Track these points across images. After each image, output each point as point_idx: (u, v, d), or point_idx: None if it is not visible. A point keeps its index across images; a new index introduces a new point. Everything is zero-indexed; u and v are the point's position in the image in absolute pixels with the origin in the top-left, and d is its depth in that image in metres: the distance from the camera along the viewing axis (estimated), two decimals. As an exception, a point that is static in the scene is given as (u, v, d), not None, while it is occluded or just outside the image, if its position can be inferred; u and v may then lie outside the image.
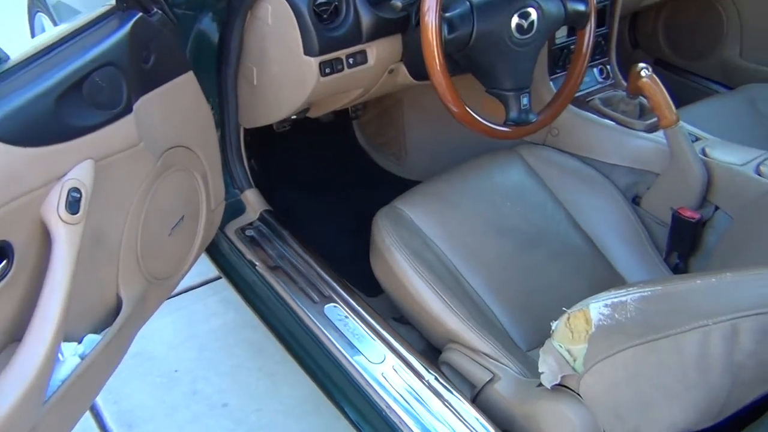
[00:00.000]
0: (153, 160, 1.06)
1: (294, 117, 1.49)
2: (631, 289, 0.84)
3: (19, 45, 0.92)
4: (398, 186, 1.58)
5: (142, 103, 1.01)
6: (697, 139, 1.42)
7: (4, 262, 0.83)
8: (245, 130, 1.49)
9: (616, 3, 1.62)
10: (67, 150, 0.88)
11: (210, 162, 1.25)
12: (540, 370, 0.95)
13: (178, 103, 1.12)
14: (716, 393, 0.78)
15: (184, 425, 1.55)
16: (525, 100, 1.23)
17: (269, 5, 1.26)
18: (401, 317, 1.36)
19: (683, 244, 1.36)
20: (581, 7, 1.26)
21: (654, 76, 1.34)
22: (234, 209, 1.46)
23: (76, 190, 0.88)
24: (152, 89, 1.04)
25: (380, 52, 1.31)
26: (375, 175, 1.97)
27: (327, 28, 1.24)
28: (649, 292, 0.82)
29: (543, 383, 0.94)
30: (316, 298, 1.28)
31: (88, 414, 1.54)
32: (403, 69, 1.37)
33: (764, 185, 1.25)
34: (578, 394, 0.91)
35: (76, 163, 0.89)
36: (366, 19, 1.25)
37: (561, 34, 1.55)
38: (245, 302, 1.39)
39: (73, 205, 0.87)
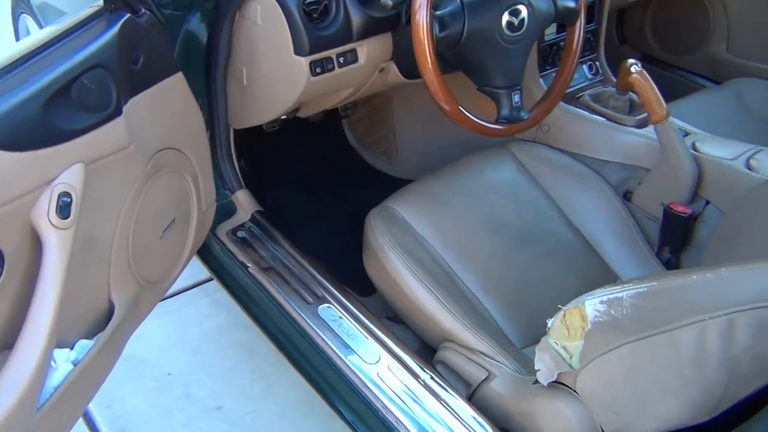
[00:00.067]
0: (143, 162, 1.05)
1: (284, 117, 1.48)
2: (626, 285, 0.84)
3: (4, 47, 0.91)
4: (389, 185, 1.57)
5: (131, 105, 0.99)
6: (687, 134, 1.43)
7: (-6, 268, 0.82)
8: (235, 130, 1.49)
9: (604, -1, 1.63)
10: (57, 154, 0.87)
11: (200, 163, 1.24)
12: (536, 368, 0.95)
13: (167, 104, 1.11)
14: (713, 388, 0.79)
15: (178, 429, 1.54)
16: (516, 98, 1.23)
17: (258, 5, 1.25)
18: (395, 316, 1.36)
19: (675, 239, 1.37)
20: (571, 4, 1.26)
21: (644, 71, 1.34)
22: (225, 211, 1.45)
23: (67, 194, 0.87)
24: (142, 91, 1.03)
25: (371, 51, 1.31)
26: (366, 174, 1.96)
27: (317, 28, 1.23)
28: (645, 288, 0.82)
29: (539, 380, 0.94)
30: (309, 299, 1.27)
31: (80, 419, 1.53)
32: (394, 68, 1.37)
33: (754, 179, 1.26)
34: (575, 391, 0.91)
35: (66, 167, 0.88)
36: (356, 18, 1.25)
37: (550, 31, 1.55)
38: (238, 304, 1.38)
39: (63, 209, 0.86)
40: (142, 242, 1.09)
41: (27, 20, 2.17)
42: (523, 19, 1.21)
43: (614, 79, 1.63)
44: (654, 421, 0.84)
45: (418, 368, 1.14)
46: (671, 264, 1.39)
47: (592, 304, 0.85)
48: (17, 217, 0.83)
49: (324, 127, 1.90)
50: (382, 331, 1.20)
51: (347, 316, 1.23)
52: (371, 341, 1.18)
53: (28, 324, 0.84)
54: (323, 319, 1.23)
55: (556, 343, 0.91)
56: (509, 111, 1.24)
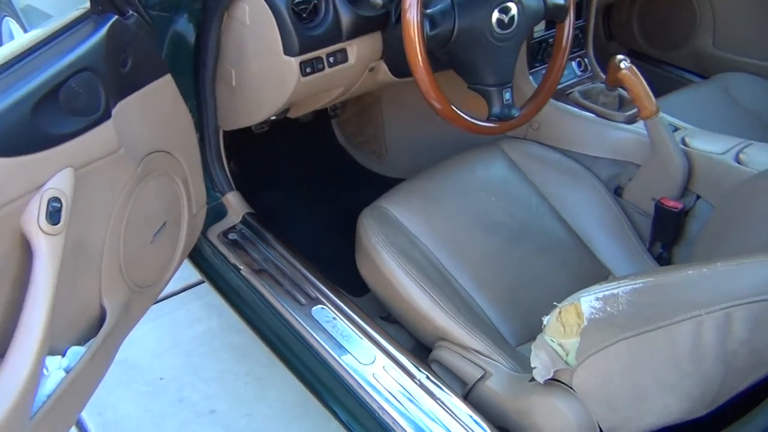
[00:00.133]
0: (133, 166, 1.04)
1: (274, 118, 1.47)
2: (622, 281, 0.84)
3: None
4: (379, 184, 1.57)
5: (120, 108, 0.98)
6: (677, 129, 1.44)
7: (-16, 275, 0.81)
8: (224, 132, 1.47)
9: (593, -5, 1.63)
10: (46, 159, 0.85)
11: (190, 166, 1.23)
12: (532, 365, 0.95)
13: (156, 106, 1.10)
14: (709, 382, 0.79)
15: (171, 434, 1.53)
16: (507, 95, 1.23)
17: (246, 5, 1.24)
18: (388, 316, 1.36)
19: (666, 234, 1.37)
20: (560, 1, 1.26)
21: (633, 67, 1.35)
22: (216, 213, 1.44)
23: (57, 199, 0.85)
24: (130, 93, 1.02)
25: (360, 50, 1.30)
26: (356, 173, 1.96)
27: (306, 27, 1.23)
28: (641, 284, 0.82)
29: (536, 378, 0.94)
30: (302, 300, 1.27)
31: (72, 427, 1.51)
32: (384, 67, 1.37)
33: (744, 173, 1.26)
34: (571, 388, 0.91)
35: (56, 172, 0.87)
36: (345, 17, 1.24)
37: (539, 28, 1.56)
38: (230, 307, 1.37)
39: (53, 215, 0.85)
40: (133, 246, 1.08)
41: (11, 23, 2.14)
42: (513, 17, 1.20)
43: (603, 76, 1.64)
44: (651, 416, 0.85)
45: (414, 368, 1.13)
46: (663, 259, 1.40)
47: (588, 300, 0.85)
48: (6, 224, 0.82)
49: (313, 128, 1.90)
50: (376, 332, 1.20)
51: (341, 316, 1.23)
52: (366, 342, 1.18)
53: (19, 332, 0.83)
54: (317, 321, 1.23)
55: (552, 340, 0.91)
56: (500, 109, 1.24)
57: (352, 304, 1.26)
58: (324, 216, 1.80)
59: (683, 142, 1.38)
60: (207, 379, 1.64)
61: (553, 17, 1.29)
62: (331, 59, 1.27)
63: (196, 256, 1.42)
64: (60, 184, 0.87)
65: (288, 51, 1.23)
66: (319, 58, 1.26)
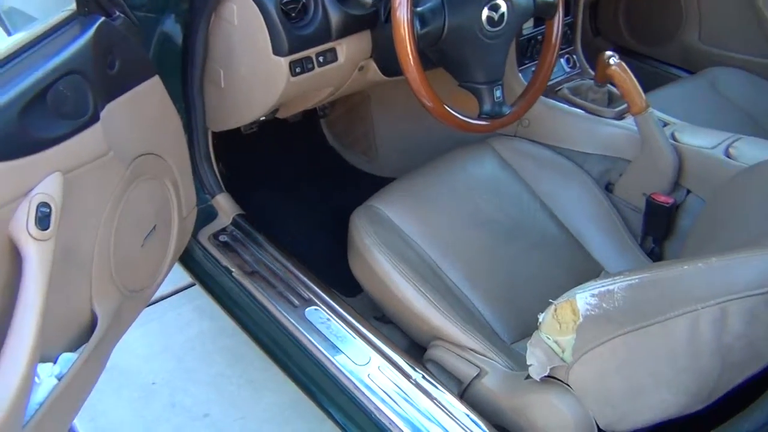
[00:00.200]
0: (122, 169, 1.02)
1: (263, 118, 1.46)
2: (617, 277, 0.84)
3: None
4: (370, 183, 1.56)
5: (108, 111, 0.97)
6: (666, 124, 1.44)
7: (-27, 283, 0.80)
8: (212, 133, 1.46)
9: (580, -9, 1.64)
10: (34, 163, 0.84)
11: (180, 168, 1.22)
12: (528, 363, 0.94)
13: (145, 109, 1.09)
14: (706, 376, 0.79)
15: (165, 439, 1.52)
16: (498, 93, 1.23)
17: (234, 5, 1.23)
18: (382, 316, 1.35)
19: (658, 229, 1.38)
20: (549, -2, 1.27)
21: (622, 63, 1.35)
22: (206, 215, 1.43)
23: (45, 204, 0.84)
24: (118, 96, 1.00)
25: (350, 49, 1.30)
26: (346, 173, 1.95)
27: (295, 27, 1.22)
28: (637, 280, 0.82)
29: (531, 375, 0.94)
30: (296, 302, 1.26)
31: (64, 434, 1.50)
32: (373, 65, 1.36)
33: (734, 167, 1.27)
34: (568, 385, 0.91)
35: (44, 177, 0.85)
36: (335, 16, 1.24)
37: (527, 25, 1.56)
38: (222, 309, 1.36)
39: (42, 220, 0.84)
40: (124, 251, 1.07)
41: (-7, 26, 2.11)
42: (502, 14, 1.20)
43: (592, 72, 1.64)
44: (648, 411, 0.85)
45: (409, 368, 1.13)
46: (655, 254, 1.40)
47: (584, 297, 0.85)
48: (-6, 230, 0.81)
49: (302, 128, 1.89)
50: (370, 332, 1.19)
51: (335, 317, 1.22)
52: (360, 342, 1.18)
53: (10, 339, 0.81)
54: (311, 322, 1.22)
55: (547, 337, 0.91)
56: (491, 106, 1.24)
57: (345, 305, 1.25)
58: (314, 216, 1.79)
59: (673, 137, 1.38)
60: (200, 382, 1.63)
61: (543, 14, 1.29)
62: (321, 59, 1.26)
63: (187, 259, 1.41)
64: (48, 188, 0.85)
65: (277, 51, 1.22)
66: (308, 58, 1.25)
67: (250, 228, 1.42)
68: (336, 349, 1.16)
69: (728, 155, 1.30)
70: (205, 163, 1.45)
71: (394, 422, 1.06)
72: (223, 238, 1.40)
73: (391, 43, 1.17)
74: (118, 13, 1.03)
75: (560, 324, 0.88)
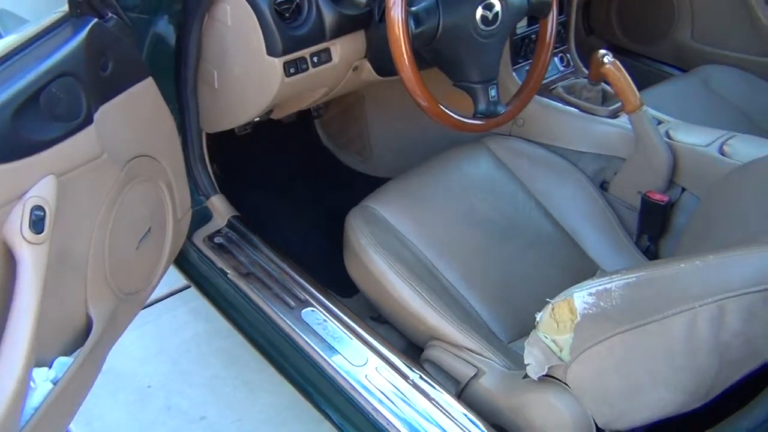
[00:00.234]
0: (117, 171, 1.02)
1: (257, 119, 1.45)
2: (614, 276, 0.84)
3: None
4: (364, 184, 1.56)
5: (102, 113, 0.96)
6: (660, 122, 1.44)
7: (-33, 288, 0.79)
8: (206, 134, 1.46)
9: (574, -10, 1.64)
10: (28, 166, 0.83)
11: (174, 170, 1.21)
12: (526, 362, 0.94)
13: (139, 110, 1.08)
14: (704, 374, 0.79)
15: (161, 442, 1.51)
16: (493, 92, 1.23)
17: (228, 6, 1.22)
18: (379, 317, 1.35)
19: (653, 227, 1.38)
20: (543, -3, 1.27)
21: (616, 62, 1.35)
22: (200, 217, 1.43)
23: (40, 208, 0.83)
24: (112, 98, 1.00)
25: (344, 49, 1.29)
26: (340, 173, 1.95)
27: (289, 27, 1.21)
28: (634, 279, 0.82)
29: (529, 375, 0.94)
30: (292, 303, 1.25)
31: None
32: (368, 65, 1.36)
33: (728, 165, 1.27)
34: (565, 384, 0.91)
35: (38, 180, 0.84)
36: (329, 16, 1.23)
37: (521, 24, 1.56)
38: (218, 311, 1.36)
39: (37, 224, 0.83)
40: (118, 253, 1.06)
41: (-17, 28, 2.10)
42: (497, 13, 1.20)
43: (585, 71, 1.65)
44: (646, 410, 0.85)
45: (407, 368, 1.13)
46: (650, 252, 1.41)
47: (581, 296, 0.85)
48: (-12, 234, 0.80)
49: (296, 128, 1.88)
50: (367, 333, 1.19)
51: (331, 318, 1.22)
52: (357, 343, 1.17)
53: (5, 344, 0.81)
54: (307, 323, 1.21)
55: (545, 336, 0.91)
56: (486, 106, 1.24)
57: (342, 306, 1.25)
58: (309, 217, 1.78)
59: (667, 135, 1.39)
60: (195, 385, 1.62)
61: (537, 13, 1.29)
62: (315, 59, 1.26)
63: (182, 262, 1.40)
64: (42, 191, 0.85)
65: (271, 51, 1.21)
66: (302, 58, 1.24)
67: (245, 229, 1.41)
68: (333, 350, 1.16)
69: (722, 153, 1.31)
70: (199, 164, 1.44)
71: (391, 423, 1.05)
72: (218, 239, 1.40)
73: (385, 43, 1.17)
74: (110, 14, 1.02)
75: (558, 323, 0.88)
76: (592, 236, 1.42)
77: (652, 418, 0.85)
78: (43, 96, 0.86)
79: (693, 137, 1.37)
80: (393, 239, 1.29)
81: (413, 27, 1.15)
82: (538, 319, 0.92)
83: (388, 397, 1.09)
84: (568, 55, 1.67)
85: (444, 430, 1.04)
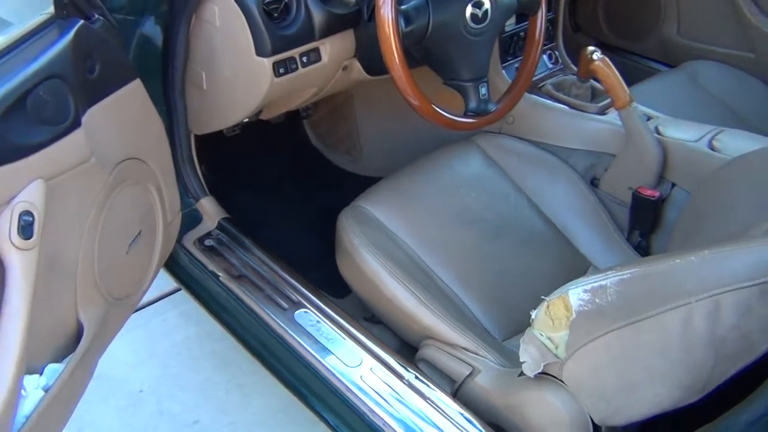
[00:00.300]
0: (105, 175, 1.01)
1: (246, 120, 1.44)
2: (609, 272, 0.84)
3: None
4: (355, 183, 1.55)
5: (90, 116, 0.95)
6: (649, 118, 1.45)
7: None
8: (195, 136, 1.44)
9: (562, -13, 1.64)
10: (15, 171, 0.82)
11: (163, 173, 1.20)
12: (521, 360, 0.94)
13: (127, 113, 1.07)
14: (700, 369, 0.79)
15: (154, 447, 1.50)
16: (483, 90, 1.23)
17: (216, 6, 1.21)
18: (372, 317, 1.35)
19: (644, 223, 1.39)
20: (532, -6, 1.27)
21: (605, 58, 1.36)
22: (190, 219, 1.41)
23: (28, 213, 0.82)
24: (100, 100, 0.98)
25: (333, 48, 1.29)
26: (330, 174, 1.94)
27: (278, 27, 1.21)
28: (629, 275, 0.82)
29: (525, 372, 0.94)
30: (285, 304, 1.24)
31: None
32: (357, 65, 1.35)
33: (718, 159, 1.28)
34: (561, 381, 0.91)
35: (26, 185, 0.83)
36: (317, 15, 1.23)
37: (509, 21, 1.56)
38: (210, 314, 1.35)
39: (25, 229, 0.82)
40: (108, 258, 1.05)
41: (-35, 32, 2.06)
42: (486, 11, 1.20)
43: (574, 67, 1.65)
44: (642, 405, 0.85)
45: (401, 368, 1.12)
46: (642, 247, 1.41)
47: (576, 293, 0.85)
48: (-24, 241, 0.79)
49: (285, 129, 1.87)
50: (361, 333, 1.18)
51: (325, 319, 1.21)
52: (352, 344, 1.17)
53: (-6, 352, 0.79)
54: (300, 325, 1.21)
55: (540, 334, 0.90)
56: (477, 104, 1.24)
57: (335, 307, 1.24)
58: (300, 218, 1.78)
59: (656, 131, 1.39)
60: (187, 389, 1.61)
61: (526, 10, 1.29)
62: (305, 59, 1.25)
63: (172, 265, 1.39)
64: (31, 196, 0.83)
65: (260, 52, 1.20)
66: (292, 58, 1.24)
67: (236, 231, 1.40)
68: (327, 351, 1.16)
69: (712, 148, 1.31)
70: (188, 166, 1.43)
71: (387, 423, 1.05)
72: (208, 242, 1.39)
73: (374, 42, 1.16)
74: (96, 15, 1.01)
75: (553, 320, 0.88)
76: (584, 233, 1.42)
77: (648, 414, 0.85)
78: (30, 99, 0.85)
79: (682, 132, 1.37)
80: (385, 239, 1.28)
81: (403, 25, 1.14)
82: (533, 316, 0.91)
83: (383, 398, 1.08)
84: (556, 53, 1.68)
85: (440, 429, 1.04)
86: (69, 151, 0.91)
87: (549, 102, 1.54)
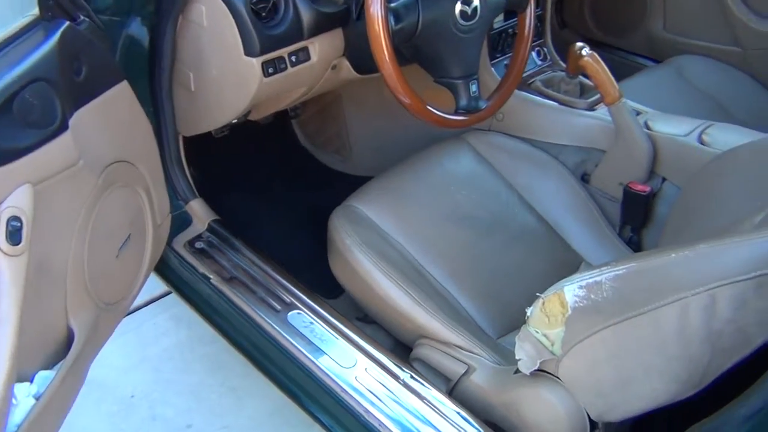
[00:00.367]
0: (94, 178, 0.99)
1: (235, 121, 1.43)
2: (604, 268, 0.84)
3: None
4: (345, 183, 1.55)
5: (77, 119, 0.94)
6: (638, 113, 1.45)
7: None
8: (183, 138, 1.43)
9: (549, -16, 1.64)
10: (2, 176, 0.81)
11: (152, 175, 1.19)
12: (517, 357, 0.94)
13: (114, 115, 1.06)
14: (696, 363, 0.80)
15: (147, 452, 1.49)
16: (474, 87, 1.23)
17: (203, 6, 1.20)
18: (365, 317, 1.34)
19: (636, 218, 1.39)
20: (521, -10, 1.26)
21: (594, 54, 1.36)
22: (180, 222, 1.40)
23: (16, 218, 0.81)
24: (87, 103, 0.97)
25: (322, 47, 1.28)
26: (320, 173, 1.93)
27: (267, 27, 1.20)
28: (624, 270, 0.82)
29: (521, 370, 0.94)
30: (277, 306, 1.24)
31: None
32: (346, 64, 1.35)
33: (708, 153, 1.28)
34: (557, 377, 0.91)
35: (13, 190, 0.82)
36: (306, 14, 1.22)
37: (498, 18, 1.55)
38: (201, 317, 1.33)
39: (14, 235, 0.80)
40: (98, 262, 1.04)
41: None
42: (475, 8, 1.20)
43: (562, 64, 1.65)
44: (639, 401, 0.85)
45: (396, 368, 1.12)
46: (633, 242, 1.41)
47: (571, 289, 0.85)
48: (-37, 247, 0.77)
49: (274, 129, 1.86)
50: (355, 334, 1.18)
51: (318, 320, 1.21)
52: (346, 344, 1.16)
53: (-16, 360, 0.78)
54: (294, 326, 1.20)
55: (536, 331, 0.90)
56: (467, 101, 1.23)
57: (328, 307, 1.23)
58: (290, 218, 1.77)
59: (646, 126, 1.40)
60: (180, 393, 1.59)
61: (515, 7, 1.29)
62: (294, 58, 1.24)
63: (163, 268, 1.37)
64: (19, 201, 0.82)
65: (249, 52, 1.19)
66: (281, 58, 1.23)
67: (227, 233, 1.39)
68: (321, 352, 1.15)
69: (701, 142, 1.32)
70: (176, 168, 1.42)
71: (383, 424, 1.05)
72: (199, 244, 1.37)
73: (363, 41, 1.16)
74: (82, 17, 0.99)
75: (549, 317, 0.88)
76: (576, 229, 1.42)
77: (645, 409, 0.85)
78: (17, 103, 0.83)
79: (672, 127, 1.38)
80: (378, 238, 1.28)
81: (393, 23, 1.14)
82: (528, 313, 0.91)
83: (379, 398, 1.08)
84: (545, 49, 1.68)
85: (437, 428, 1.03)
86: (56, 154, 0.89)
87: (538, 98, 1.54)
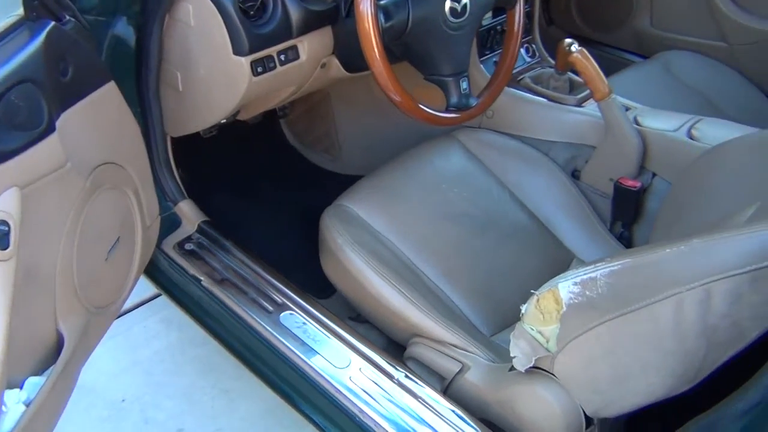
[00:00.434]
0: (82, 180, 0.98)
1: (223, 121, 1.42)
2: (599, 264, 0.84)
3: None
4: (334, 182, 1.54)
5: (64, 120, 0.92)
6: (628, 108, 1.45)
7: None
8: (171, 138, 1.42)
9: (537, -19, 1.64)
10: None
11: (141, 177, 1.18)
12: (512, 354, 0.94)
13: (102, 116, 1.04)
14: (692, 358, 0.80)
15: (139, 457, 1.47)
16: (464, 84, 1.22)
17: (190, 5, 1.19)
18: (357, 316, 1.34)
19: (626, 213, 1.39)
20: (510, -13, 1.26)
21: (584, 50, 1.36)
22: (169, 223, 1.39)
23: (4, 222, 0.80)
24: (74, 104, 0.96)
25: (312, 46, 1.27)
26: (309, 173, 1.92)
27: (255, 25, 1.19)
28: (619, 266, 0.82)
29: (516, 367, 0.94)
30: (269, 307, 1.23)
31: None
32: (336, 62, 1.34)
33: (697, 148, 1.29)
34: (553, 374, 0.91)
35: (0, 193, 0.80)
36: (294, 13, 1.21)
37: (486, 16, 1.55)
38: (192, 319, 1.32)
39: (1, 239, 0.79)
40: (87, 266, 1.02)
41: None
42: (465, 5, 1.19)
43: (551, 60, 1.65)
44: (635, 396, 0.85)
45: (390, 367, 1.11)
46: (624, 238, 1.42)
47: (566, 286, 0.85)
48: (-51, 253, 0.76)
49: (262, 129, 1.85)
50: (349, 334, 1.17)
51: (311, 321, 1.20)
52: (339, 345, 1.15)
53: (-28, 368, 0.77)
54: (286, 327, 1.19)
55: (531, 328, 0.90)
56: (458, 98, 1.23)
57: (320, 307, 1.23)
58: (280, 218, 1.76)
59: (635, 122, 1.40)
60: (171, 396, 1.58)
61: (504, 4, 1.29)
62: (283, 57, 1.23)
63: (152, 270, 1.36)
64: (6, 205, 0.81)
65: (237, 51, 1.18)
66: (270, 57, 1.22)
67: (217, 234, 1.38)
68: (315, 353, 1.14)
69: (691, 137, 1.32)
70: (165, 169, 1.40)
71: (378, 423, 1.04)
72: (189, 246, 1.36)
73: (353, 39, 1.15)
74: (68, 17, 0.98)
75: (543, 314, 0.88)
76: (567, 225, 1.42)
77: (641, 404, 0.85)
78: (2, 105, 0.82)
79: (661, 122, 1.38)
80: (369, 237, 1.27)
81: (383, 21, 1.13)
82: (523, 311, 0.91)
83: (374, 398, 1.07)
84: (533, 46, 1.68)
85: (432, 427, 1.03)
86: (44, 157, 0.88)
87: (528, 95, 1.54)
